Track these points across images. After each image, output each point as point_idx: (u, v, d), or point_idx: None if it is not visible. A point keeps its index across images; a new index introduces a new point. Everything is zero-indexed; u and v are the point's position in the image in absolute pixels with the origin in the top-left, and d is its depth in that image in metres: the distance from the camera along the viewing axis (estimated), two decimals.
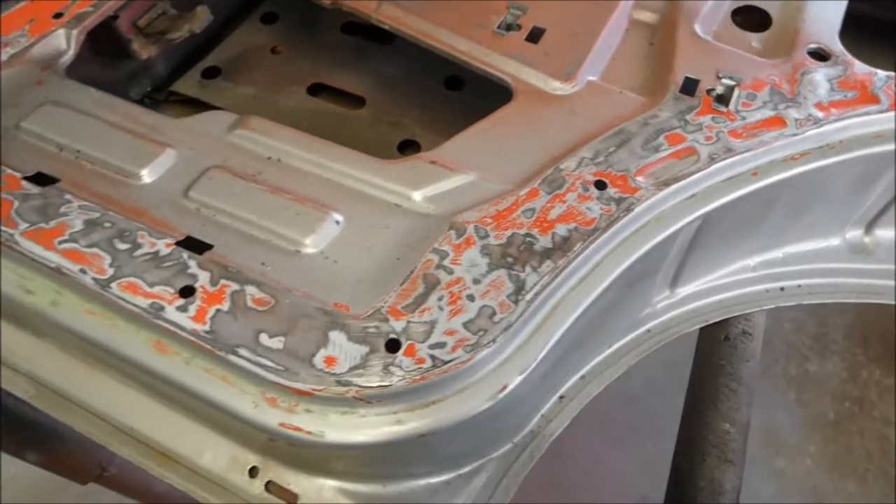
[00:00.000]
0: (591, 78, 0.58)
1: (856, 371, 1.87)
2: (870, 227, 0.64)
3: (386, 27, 0.64)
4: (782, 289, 0.63)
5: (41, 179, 0.49)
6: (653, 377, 1.50)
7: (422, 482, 0.45)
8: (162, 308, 0.41)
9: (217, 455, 0.45)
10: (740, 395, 0.56)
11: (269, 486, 0.44)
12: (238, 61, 0.81)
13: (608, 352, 0.54)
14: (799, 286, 0.63)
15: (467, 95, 0.74)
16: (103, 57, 0.71)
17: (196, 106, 0.76)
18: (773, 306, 0.62)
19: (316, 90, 0.77)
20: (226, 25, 0.84)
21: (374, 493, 0.43)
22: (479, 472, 0.47)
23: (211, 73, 0.79)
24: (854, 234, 0.65)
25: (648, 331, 0.57)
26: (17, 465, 1.61)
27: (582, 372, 0.53)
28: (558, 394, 0.52)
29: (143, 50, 0.71)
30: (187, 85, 0.78)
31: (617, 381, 0.54)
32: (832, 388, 1.81)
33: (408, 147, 0.70)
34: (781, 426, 1.69)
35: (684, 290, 0.60)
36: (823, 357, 1.90)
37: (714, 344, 0.61)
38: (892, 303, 0.63)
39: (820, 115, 0.54)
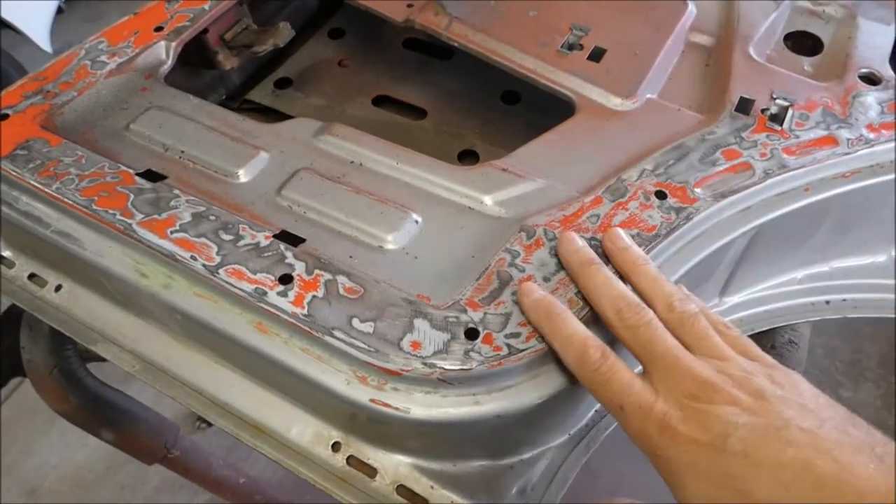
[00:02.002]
0: (650, 95, 0.61)
1: (890, 399, 1.85)
2: None
3: (455, 44, 0.69)
4: (828, 302, 0.65)
5: (151, 176, 0.54)
6: None
7: (488, 463, 0.48)
8: (265, 293, 0.45)
9: (303, 430, 0.49)
10: None
11: (350, 460, 0.48)
12: (307, 73, 0.86)
13: None
14: (844, 300, 0.65)
15: (523, 109, 0.78)
16: (189, 67, 0.77)
17: (268, 114, 0.82)
18: (818, 318, 0.65)
19: (380, 101, 0.82)
20: (295, 40, 0.90)
21: (446, 470, 0.47)
22: (540, 458, 0.50)
23: (283, 84, 0.84)
24: None
25: None
26: (56, 456, 1.68)
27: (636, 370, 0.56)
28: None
29: (227, 61, 0.77)
30: (261, 94, 0.84)
31: None
32: (866, 415, 1.78)
33: (467, 156, 0.75)
34: None
35: (732, 300, 0.63)
36: (857, 384, 1.88)
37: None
38: None
39: (871, 135, 0.57)
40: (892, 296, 0.66)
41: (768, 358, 0.40)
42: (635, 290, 0.44)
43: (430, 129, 0.78)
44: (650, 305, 0.42)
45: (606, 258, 0.47)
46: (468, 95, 0.79)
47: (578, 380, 0.42)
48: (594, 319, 0.44)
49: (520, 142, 0.58)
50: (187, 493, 1.53)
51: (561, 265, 0.47)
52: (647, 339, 0.40)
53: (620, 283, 0.44)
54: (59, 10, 2.78)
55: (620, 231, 0.48)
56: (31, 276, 0.58)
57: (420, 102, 0.80)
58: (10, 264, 0.59)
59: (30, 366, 0.69)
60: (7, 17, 2.21)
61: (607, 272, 0.44)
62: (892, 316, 0.66)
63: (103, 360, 0.64)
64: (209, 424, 1.12)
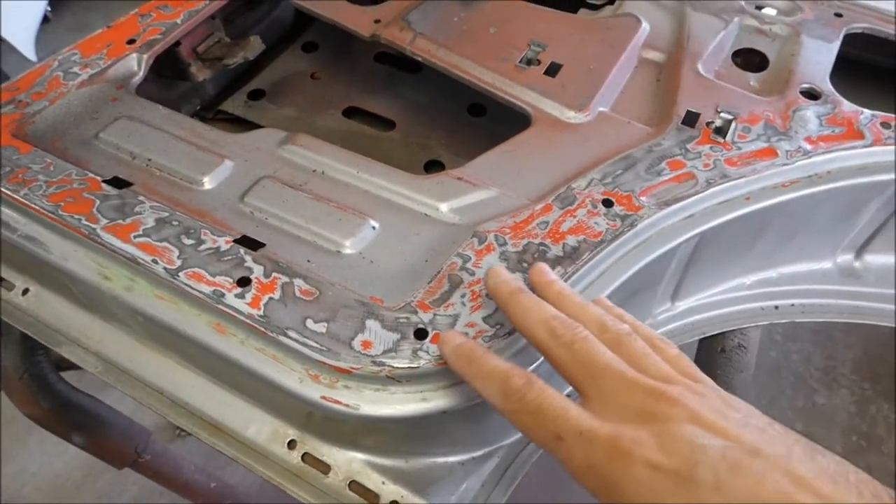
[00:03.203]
0: (602, 109, 0.64)
1: (864, 405, 1.88)
2: (859, 252, 0.69)
3: (419, 58, 0.71)
4: (776, 307, 0.68)
5: (118, 183, 0.56)
6: None
7: (439, 460, 0.50)
8: (223, 295, 0.47)
9: (260, 428, 0.50)
10: None
11: (305, 457, 0.49)
12: (280, 85, 0.88)
13: None
14: (792, 305, 0.68)
15: (488, 121, 0.81)
16: (163, 78, 0.79)
17: (241, 124, 0.84)
18: (766, 322, 0.67)
19: (350, 113, 0.84)
20: (270, 52, 0.92)
21: (397, 466, 0.49)
22: (491, 456, 0.52)
23: (256, 95, 0.87)
24: (845, 258, 0.70)
25: None
26: (35, 464, 1.67)
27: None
28: (565, 392, 0.57)
29: (200, 73, 0.79)
30: (234, 105, 0.86)
31: None
32: (840, 421, 1.82)
33: (433, 166, 0.77)
34: None
35: (684, 304, 0.65)
36: (831, 390, 1.91)
37: (712, 355, 0.66)
38: (878, 324, 0.67)
39: (809, 147, 0.60)
40: (838, 301, 0.69)
41: (709, 380, 0.37)
42: None
43: (399, 139, 0.81)
44: None
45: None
46: (436, 107, 0.82)
47: (506, 418, 0.37)
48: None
49: (484, 152, 0.61)
50: (166, 501, 1.53)
51: (510, 268, 0.49)
52: (585, 355, 0.36)
53: (552, 307, 0.41)
54: (45, 19, 2.79)
55: (545, 266, 0.47)
56: None
57: (389, 114, 0.83)
58: None
59: (1, 370, 0.70)
60: None
61: (536, 298, 0.42)
62: (839, 320, 0.69)
63: (77, 367, 0.66)
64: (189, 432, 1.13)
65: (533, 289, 0.45)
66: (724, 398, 0.34)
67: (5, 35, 2.28)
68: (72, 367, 0.78)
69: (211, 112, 0.86)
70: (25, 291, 0.59)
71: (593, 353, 0.36)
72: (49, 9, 2.80)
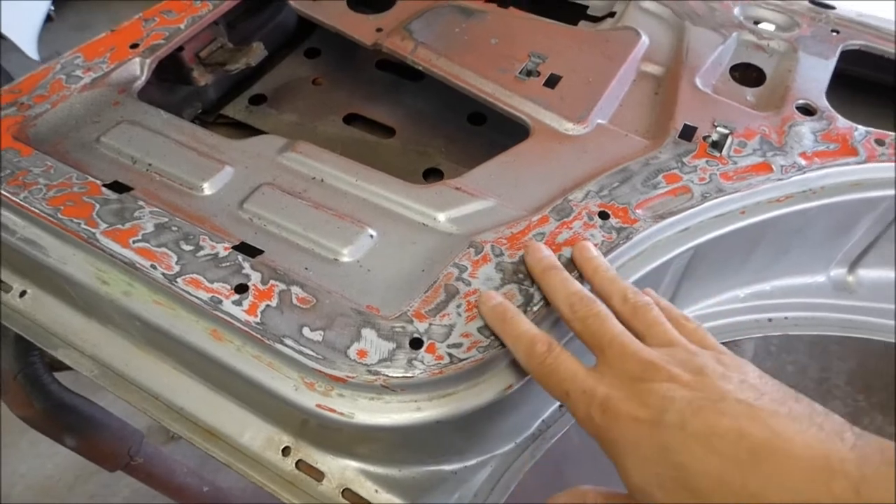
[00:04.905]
0: (600, 121, 0.65)
1: (857, 417, 1.88)
2: (853, 266, 0.70)
3: (420, 67, 0.72)
4: (770, 320, 0.68)
5: (118, 187, 0.56)
6: None
7: (432, 469, 0.50)
8: (220, 301, 0.47)
9: (255, 435, 0.51)
10: None
11: (299, 464, 0.49)
12: (282, 90, 0.89)
13: None
14: (786, 318, 0.68)
15: (487, 130, 0.81)
16: (166, 83, 0.80)
17: (242, 129, 0.85)
18: (760, 335, 0.68)
19: (351, 119, 0.85)
20: (272, 58, 0.93)
21: (391, 475, 0.49)
22: (484, 466, 0.52)
23: (257, 100, 0.87)
24: (838, 272, 0.70)
25: None
26: (25, 465, 1.67)
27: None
28: (558, 403, 0.57)
29: (202, 78, 0.80)
30: (236, 109, 0.86)
31: None
32: None
33: (432, 174, 0.78)
34: None
35: None
36: (826, 401, 1.91)
37: None
38: (871, 337, 0.68)
39: (804, 163, 0.60)
40: (831, 314, 0.70)
41: (722, 347, 0.41)
42: (594, 290, 0.47)
43: (398, 147, 0.81)
44: (607, 302, 0.45)
45: (573, 267, 0.50)
46: (436, 116, 0.83)
47: (529, 374, 0.44)
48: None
49: (483, 161, 0.61)
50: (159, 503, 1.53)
51: (505, 279, 0.50)
52: (596, 328, 0.42)
53: (577, 283, 0.46)
54: (49, 19, 2.79)
55: (588, 243, 0.51)
56: None
57: (389, 121, 0.83)
58: None
59: None
60: None
61: (566, 274, 0.47)
62: (832, 334, 0.70)
63: (69, 368, 0.66)
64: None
65: (573, 262, 0.50)
66: (719, 358, 0.39)
67: (8, 33, 2.28)
68: (66, 367, 0.78)
69: (212, 116, 0.87)
70: (23, 294, 0.59)
71: (604, 327, 0.42)
72: (52, 8, 2.80)
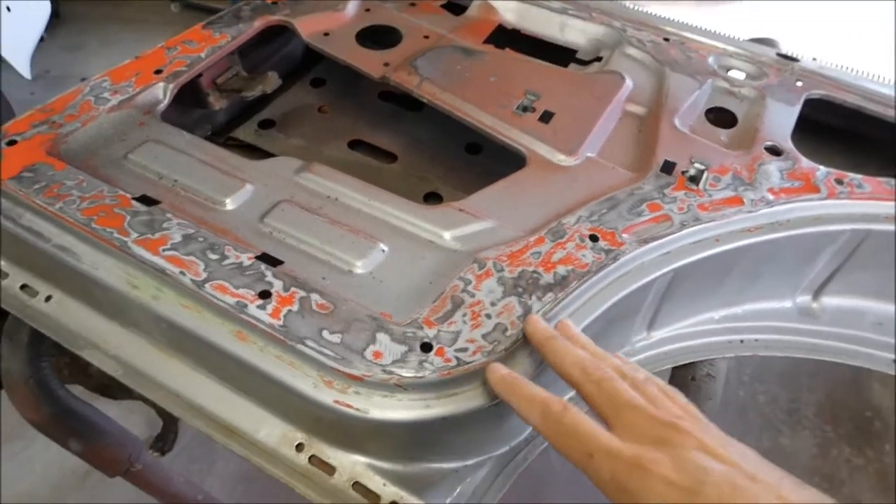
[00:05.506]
0: (589, 154, 0.71)
1: (826, 448, 1.93)
2: (817, 294, 0.77)
3: (425, 100, 0.78)
4: (742, 341, 0.74)
5: (146, 200, 0.60)
6: None
7: (435, 466, 0.54)
8: (245, 306, 0.52)
9: (271, 432, 0.54)
10: None
11: (312, 459, 0.53)
12: (290, 116, 0.94)
13: None
14: (756, 340, 0.74)
15: (483, 159, 0.87)
16: (181, 105, 0.85)
17: (251, 150, 0.89)
18: (732, 355, 0.74)
19: (355, 145, 0.90)
20: (280, 86, 0.98)
21: (397, 470, 0.53)
22: (482, 465, 0.57)
23: (266, 125, 0.92)
24: (803, 299, 0.77)
25: None
26: (18, 469, 1.64)
27: (569, 395, 0.64)
28: None
29: (217, 102, 0.85)
30: (246, 133, 0.91)
31: None
32: (802, 463, 1.87)
33: (431, 198, 0.83)
34: None
35: (659, 334, 0.71)
36: (795, 431, 1.97)
37: (683, 382, 0.72)
38: (835, 361, 0.74)
39: (771, 197, 0.67)
40: (797, 338, 0.76)
41: (714, 425, 0.42)
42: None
43: (400, 171, 0.87)
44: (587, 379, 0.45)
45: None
46: (435, 144, 0.88)
47: (544, 436, 0.43)
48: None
49: (479, 187, 0.67)
50: None
51: (506, 292, 0.55)
52: (611, 390, 0.42)
53: (580, 350, 0.48)
54: (40, 39, 2.83)
55: (569, 320, 0.53)
56: (23, 287, 0.63)
57: (391, 148, 0.89)
58: (4, 275, 0.64)
59: (7, 374, 0.72)
60: None
61: (567, 342, 0.49)
62: (798, 356, 0.76)
63: (75, 382, 0.68)
64: (162, 453, 1.13)
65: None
66: (724, 436, 0.40)
67: (4, 53, 2.31)
68: (73, 381, 0.81)
69: (222, 138, 0.92)
70: (48, 298, 0.62)
71: (619, 389, 0.42)
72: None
